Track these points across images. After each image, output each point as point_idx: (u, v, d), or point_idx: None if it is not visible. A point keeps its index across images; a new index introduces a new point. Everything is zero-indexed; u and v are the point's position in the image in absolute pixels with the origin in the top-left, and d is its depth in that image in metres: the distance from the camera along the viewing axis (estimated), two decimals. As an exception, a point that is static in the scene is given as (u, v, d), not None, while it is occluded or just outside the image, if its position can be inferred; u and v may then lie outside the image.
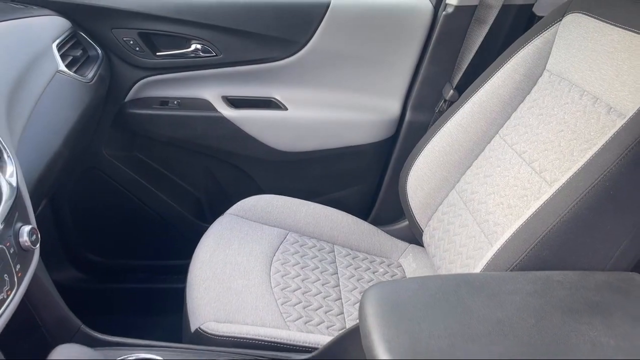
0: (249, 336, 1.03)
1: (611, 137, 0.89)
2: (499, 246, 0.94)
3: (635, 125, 0.86)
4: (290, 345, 1.05)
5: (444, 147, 1.30)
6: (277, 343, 1.04)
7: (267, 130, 1.54)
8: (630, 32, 0.99)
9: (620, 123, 0.89)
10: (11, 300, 0.72)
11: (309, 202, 1.46)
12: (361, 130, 1.56)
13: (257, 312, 1.10)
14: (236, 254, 1.26)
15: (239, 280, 1.18)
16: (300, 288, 1.20)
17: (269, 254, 1.29)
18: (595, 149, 0.90)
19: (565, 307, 0.78)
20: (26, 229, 0.76)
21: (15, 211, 0.76)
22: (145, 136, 1.57)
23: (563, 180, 0.92)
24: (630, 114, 0.89)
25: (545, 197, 0.92)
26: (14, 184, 0.78)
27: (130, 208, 1.65)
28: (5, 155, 0.80)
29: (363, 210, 1.69)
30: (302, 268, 1.27)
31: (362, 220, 1.47)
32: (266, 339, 1.02)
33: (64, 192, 1.56)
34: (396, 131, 1.59)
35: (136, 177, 1.61)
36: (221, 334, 1.03)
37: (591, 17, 1.11)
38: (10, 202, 0.75)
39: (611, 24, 1.05)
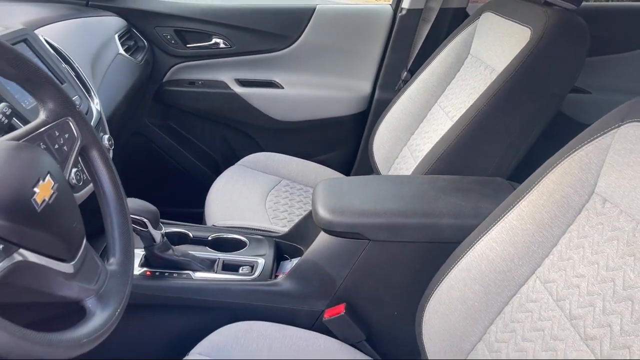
0: (245, 226, 1.43)
1: (486, 87, 1.30)
2: (418, 161, 1.36)
3: (500, 78, 1.27)
4: (270, 231, 1.42)
5: (399, 115, 1.72)
6: (263, 230, 1.41)
7: (268, 104, 1.99)
8: (519, 24, 1.39)
9: (492, 77, 1.31)
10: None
11: (300, 159, 1.87)
12: (340, 104, 2.00)
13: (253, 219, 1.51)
14: (240, 190, 1.68)
15: (242, 201, 1.60)
16: (286, 210, 1.58)
17: (265, 192, 1.71)
18: (476, 95, 1.32)
19: (441, 189, 1.19)
20: (106, 136, 1.19)
21: (100, 125, 1.20)
22: (177, 108, 2.03)
23: (458, 116, 1.33)
24: (500, 70, 1.30)
25: (447, 128, 1.34)
26: (99, 108, 1.22)
27: (164, 164, 2.09)
28: (92, 92, 1.24)
29: (344, 170, 2.10)
30: (290, 200, 1.61)
31: (342, 174, 1.80)
32: (256, 226, 1.43)
33: (116, 147, 2.01)
34: (368, 106, 2.01)
35: (170, 141, 2.07)
36: (228, 225, 1.44)
37: (498, 15, 1.52)
38: (97, 118, 1.19)
39: (509, 19, 1.46)
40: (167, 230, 1.24)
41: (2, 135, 0.71)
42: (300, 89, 2.00)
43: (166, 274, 1.13)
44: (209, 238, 1.30)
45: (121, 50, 1.67)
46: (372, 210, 1.10)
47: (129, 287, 0.80)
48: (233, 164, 1.86)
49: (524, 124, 1.29)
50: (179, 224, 1.32)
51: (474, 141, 1.29)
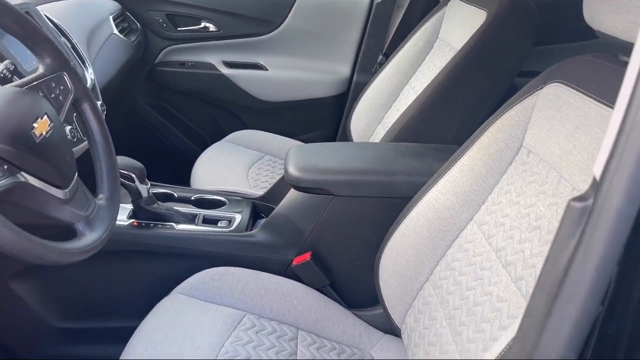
0: (226, 189, 1.53)
1: (446, 64, 1.42)
2: (383, 134, 1.47)
3: (457, 56, 1.39)
4: (248, 194, 1.48)
5: (374, 95, 1.83)
6: (242, 193, 1.48)
7: (253, 85, 2.11)
8: (477, 8, 1.51)
9: (452, 53, 1.43)
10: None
11: (283, 137, 1.96)
12: (321, 86, 2.12)
13: (235, 185, 1.60)
14: (225, 162, 1.78)
15: (226, 171, 1.71)
16: (267, 181, 1.59)
17: (248, 164, 1.80)
18: (436, 71, 1.43)
19: (401, 153, 1.31)
20: (98, 102, 1.30)
21: (93, 92, 1.31)
22: (168, 88, 2.14)
23: (420, 89, 1.45)
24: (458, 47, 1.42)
25: (410, 101, 1.46)
26: (92, 77, 1.33)
27: (155, 141, 2.20)
28: (87, 63, 1.35)
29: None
30: (271, 173, 1.58)
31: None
32: (236, 190, 1.54)
33: (109, 123, 2.12)
34: (347, 88, 2.13)
35: (161, 119, 2.18)
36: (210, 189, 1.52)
37: (462, 1, 1.64)
38: (91, 86, 1.30)
39: (470, 4, 1.57)
40: (154, 191, 1.36)
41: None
42: (283, 71, 2.11)
43: (152, 224, 1.24)
44: (192, 198, 1.41)
45: (115, 31, 1.78)
46: (336, 169, 1.22)
47: (115, 218, 0.91)
48: (218, 138, 1.97)
49: (479, 97, 1.41)
50: (165, 186, 1.44)
51: (434, 112, 1.41)
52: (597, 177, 0.44)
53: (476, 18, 1.46)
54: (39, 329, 1.28)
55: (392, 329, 1.19)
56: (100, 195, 0.92)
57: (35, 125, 0.76)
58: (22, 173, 0.74)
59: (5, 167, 0.71)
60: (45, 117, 0.79)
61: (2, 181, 0.69)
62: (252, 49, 2.10)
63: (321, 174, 1.21)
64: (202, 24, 2.06)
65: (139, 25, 2.01)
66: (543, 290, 0.49)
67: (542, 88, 0.94)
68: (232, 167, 1.74)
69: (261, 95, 2.12)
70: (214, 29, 2.06)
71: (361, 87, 2.02)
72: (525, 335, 0.50)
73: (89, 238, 0.83)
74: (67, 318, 1.28)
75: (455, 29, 1.61)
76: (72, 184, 0.83)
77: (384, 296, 1.14)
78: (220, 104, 2.17)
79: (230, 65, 2.11)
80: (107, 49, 1.65)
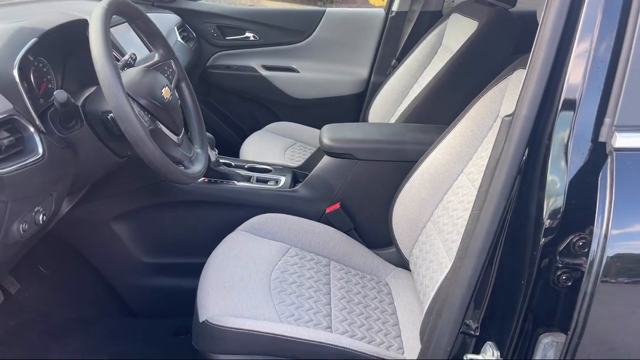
0: (271, 162, 1.86)
1: (445, 63, 1.76)
2: (400, 112, 1.82)
3: (454, 56, 1.72)
4: (288, 165, 1.80)
5: (388, 92, 2.17)
6: (284, 164, 1.77)
7: (286, 84, 2.47)
8: (471, 19, 1.85)
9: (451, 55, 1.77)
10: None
11: (311, 127, 2.31)
12: (343, 86, 2.47)
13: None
14: (267, 145, 2.12)
15: (267, 152, 2.05)
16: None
17: (284, 149, 2.15)
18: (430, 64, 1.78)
19: (410, 128, 1.65)
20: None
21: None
22: (215, 88, 2.51)
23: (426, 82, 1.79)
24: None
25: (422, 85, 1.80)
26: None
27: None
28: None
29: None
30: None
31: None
32: (278, 162, 1.87)
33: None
34: (365, 88, 2.47)
35: (209, 113, 2.54)
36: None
37: (461, 14, 1.98)
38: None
39: (467, 16, 1.91)
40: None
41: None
42: (312, 73, 2.47)
43: (218, 181, 1.59)
44: (245, 166, 1.76)
45: (179, 39, 2.15)
46: (360, 139, 1.56)
47: (207, 160, 1.26)
48: (256, 129, 2.31)
49: (470, 87, 1.73)
50: (225, 157, 1.78)
51: (436, 100, 1.74)
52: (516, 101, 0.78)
53: (470, 27, 1.80)
54: (130, 263, 1.62)
55: (402, 264, 1.51)
56: (195, 146, 1.28)
57: (162, 91, 1.12)
58: (157, 121, 1.09)
59: (149, 116, 1.06)
60: (167, 87, 1.14)
61: (150, 125, 1.04)
62: (286, 55, 2.46)
63: (348, 143, 1.55)
64: (246, 34, 2.44)
65: (194, 35, 2.38)
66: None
67: (512, 73, 1.27)
68: (272, 148, 2.09)
69: (293, 93, 2.49)
70: (256, 38, 2.44)
71: (377, 87, 2.36)
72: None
73: (194, 170, 1.18)
74: (152, 254, 1.62)
75: (454, 37, 1.95)
76: (182, 134, 1.18)
77: (395, 235, 1.47)
78: (258, 100, 2.54)
79: (268, 68, 2.48)
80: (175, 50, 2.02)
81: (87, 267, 1.63)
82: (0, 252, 0.91)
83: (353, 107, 2.50)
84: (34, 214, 0.95)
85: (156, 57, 1.25)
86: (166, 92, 1.12)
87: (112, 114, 1.02)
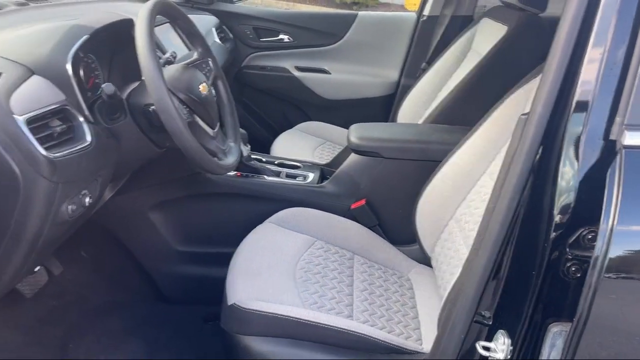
0: (300, 159, 1.92)
1: (473, 66, 1.78)
2: (428, 113, 1.85)
3: (482, 59, 1.75)
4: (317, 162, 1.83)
5: (418, 94, 2.20)
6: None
7: (317, 85, 2.54)
8: (501, 24, 1.87)
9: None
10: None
11: (340, 127, 2.35)
12: (373, 88, 2.52)
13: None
14: (297, 143, 2.18)
15: (297, 150, 2.11)
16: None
17: (314, 147, 2.21)
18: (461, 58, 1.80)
19: (436, 129, 1.69)
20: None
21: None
22: (250, 87, 2.59)
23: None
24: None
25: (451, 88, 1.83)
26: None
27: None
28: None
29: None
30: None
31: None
32: (307, 159, 1.93)
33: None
34: (395, 90, 2.51)
35: (243, 112, 2.62)
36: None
37: (491, 19, 2.00)
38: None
39: (497, 21, 1.93)
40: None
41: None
42: (343, 75, 2.53)
43: (250, 175, 1.66)
44: (275, 162, 1.82)
45: (216, 39, 2.23)
46: (386, 138, 1.61)
47: (239, 154, 1.33)
48: (287, 128, 2.38)
49: (497, 90, 1.75)
50: (256, 153, 1.85)
51: (462, 102, 1.77)
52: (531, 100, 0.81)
53: (499, 32, 1.83)
54: (164, 251, 1.70)
55: (424, 261, 1.54)
56: (229, 139, 1.35)
57: (200, 87, 1.19)
58: (194, 115, 1.16)
59: (187, 109, 1.14)
60: (204, 83, 1.22)
61: (188, 118, 1.12)
62: (319, 57, 2.53)
63: (375, 142, 1.60)
64: (280, 36, 2.51)
65: (231, 35, 2.47)
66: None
67: (537, 76, 1.28)
68: (302, 147, 2.15)
69: (324, 94, 2.55)
70: (289, 40, 2.51)
71: (407, 89, 2.40)
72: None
73: (227, 161, 1.25)
74: (185, 243, 1.70)
75: (483, 41, 1.97)
76: (217, 128, 1.25)
77: (418, 232, 1.50)
78: (290, 100, 2.61)
79: (300, 69, 2.55)
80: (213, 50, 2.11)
81: (125, 253, 1.73)
82: (50, 231, 0.99)
83: (382, 108, 2.54)
84: (80, 196, 1.03)
85: (195, 56, 1.32)
86: (203, 88, 1.19)
87: (153, 107, 1.09)
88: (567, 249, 0.77)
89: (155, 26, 1.66)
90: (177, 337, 1.66)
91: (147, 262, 1.73)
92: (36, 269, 1.28)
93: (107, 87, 1.08)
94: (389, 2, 8.64)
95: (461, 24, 2.30)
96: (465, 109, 1.79)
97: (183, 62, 1.26)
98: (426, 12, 2.37)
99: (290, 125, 2.42)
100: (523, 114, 0.84)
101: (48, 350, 1.53)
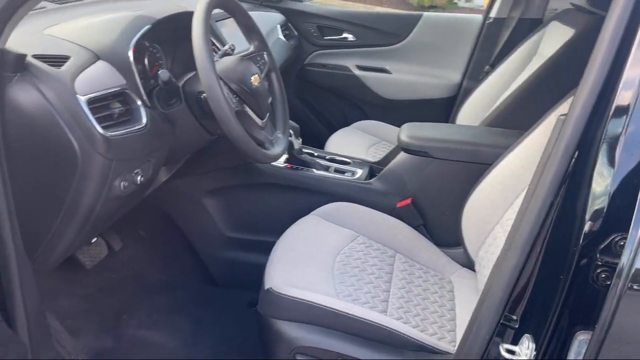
0: (351, 155, 1.93)
1: (535, 69, 1.73)
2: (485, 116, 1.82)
3: (545, 62, 1.69)
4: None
5: (479, 96, 2.16)
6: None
7: (378, 85, 2.54)
8: (569, 27, 1.79)
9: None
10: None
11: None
12: (434, 89, 2.49)
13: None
14: (353, 140, 2.20)
15: (352, 146, 2.13)
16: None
17: (368, 145, 2.22)
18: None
19: (489, 132, 1.65)
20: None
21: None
22: (311, 84, 2.64)
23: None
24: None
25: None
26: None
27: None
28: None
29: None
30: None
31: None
32: (358, 156, 1.94)
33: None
34: (456, 92, 2.47)
35: (303, 107, 2.68)
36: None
37: (560, 22, 1.93)
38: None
39: (565, 24, 1.86)
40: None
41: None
42: (404, 75, 2.51)
43: (299, 168, 1.70)
44: (327, 157, 1.85)
45: (280, 36, 2.30)
46: (437, 138, 1.59)
47: (285, 146, 1.37)
48: (345, 125, 2.40)
49: (558, 95, 1.69)
50: (309, 147, 1.89)
51: (522, 105, 1.72)
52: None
53: (565, 35, 1.76)
54: (215, 235, 1.78)
55: (468, 264, 1.51)
56: (278, 131, 1.39)
57: (252, 79, 1.24)
58: (244, 105, 1.21)
59: (237, 99, 1.19)
60: (257, 75, 1.27)
61: (237, 107, 1.17)
62: (380, 56, 2.53)
63: (425, 141, 1.59)
64: (343, 35, 2.54)
65: (296, 33, 2.53)
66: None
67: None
68: (357, 144, 2.17)
69: (384, 94, 2.55)
70: (353, 39, 2.53)
71: (468, 92, 2.35)
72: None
73: (273, 151, 1.29)
74: (234, 230, 1.77)
75: (550, 45, 1.90)
76: (266, 118, 1.30)
77: (464, 236, 1.47)
78: (349, 98, 2.63)
79: (361, 68, 2.56)
80: (274, 48, 2.17)
81: (179, 236, 1.82)
82: (103, 206, 1.07)
83: (442, 110, 2.50)
84: (133, 174, 1.11)
85: (251, 48, 1.38)
86: (255, 80, 1.24)
87: (205, 94, 1.15)
88: (598, 255, 0.74)
89: (219, 20, 1.76)
90: (221, 319, 1.73)
91: (199, 245, 1.82)
92: (93, 240, 1.39)
93: (163, 74, 1.15)
94: (468, 6, 8.45)
95: (529, 27, 2.23)
96: (523, 113, 1.73)
97: (239, 54, 1.32)
98: (493, 14, 2.31)
99: (348, 123, 2.44)
100: (562, 115, 0.82)
101: (104, 318, 1.65)
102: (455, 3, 8.69)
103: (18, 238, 0.96)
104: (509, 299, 0.86)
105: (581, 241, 0.75)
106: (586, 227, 0.75)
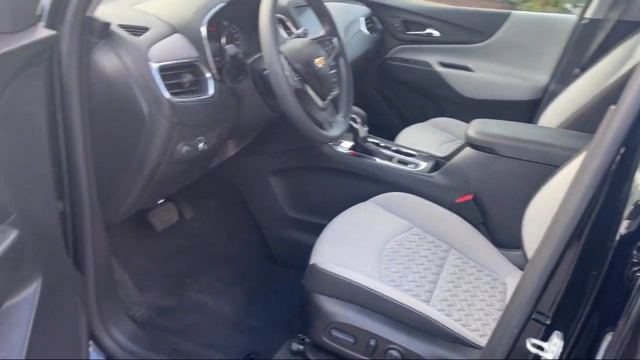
0: (419, 149, 1.91)
1: (623, 73, 1.62)
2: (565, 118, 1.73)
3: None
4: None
5: (566, 100, 2.05)
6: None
7: (459, 82, 2.48)
8: None
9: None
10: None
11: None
12: (518, 91, 2.39)
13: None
14: (426, 134, 2.17)
15: (423, 141, 2.11)
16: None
17: (442, 142, 2.18)
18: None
19: (564, 134, 1.56)
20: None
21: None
22: (391, 78, 2.64)
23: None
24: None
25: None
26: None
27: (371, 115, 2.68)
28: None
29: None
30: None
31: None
32: (426, 150, 1.91)
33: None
34: (540, 96, 2.36)
35: (381, 100, 2.68)
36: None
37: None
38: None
39: None
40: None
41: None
42: (486, 74, 2.44)
43: (363, 156, 1.72)
44: (392, 148, 1.85)
45: (362, 28, 2.33)
46: (505, 136, 1.54)
47: (344, 129, 1.40)
48: (416, 122, 2.37)
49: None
50: (375, 137, 1.91)
51: (602, 109, 1.61)
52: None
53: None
54: (278, 214, 1.85)
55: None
56: (340, 114, 1.42)
57: (316, 60, 1.28)
58: (306, 85, 1.26)
59: (299, 78, 1.24)
60: (322, 57, 1.31)
61: (297, 85, 1.22)
62: (464, 54, 2.47)
63: (492, 137, 1.55)
64: (427, 30, 2.51)
65: (380, 26, 2.54)
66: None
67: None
68: (430, 140, 2.14)
69: (464, 92, 2.49)
70: (437, 35, 2.50)
71: (554, 95, 2.23)
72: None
73: (332, 133, 1.33)
74: (295, 210, 1.83)
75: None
76: (327, 100, 1.33)
77: (524, 238, 1.40)
78: (428, 94, 2.60)
79: (444, 65, 2.52)
80: (355, 40, 2.20)
81: (245, 212, 1.91)
82: (166, 168, 1.16)
83: (525, 113, 2.40)
84: (196, 141, 1.19)
85: (321, 32, 1.42)
86: (319, 61, 1.28)
87: (267, 71, 1.21)
88: (635, 252, 0.70)
89: (299, 7, 1.82)
90: (274, 295, 1.80)
91: (263, 223, 1.89)
92: (159, 202, 1.50)
93: (230, 49, 1.22)
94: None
95: (627, 29, 2.08)
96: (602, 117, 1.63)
97: (309, 38, 1.37)
98: (588, 14, 2.17)
99: (424, 119, 2.41)
100: (613, 105, 0.78)
101: (170, 280, 1.77)
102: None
103: (93, 186, 1.07)
104: (542, 293, 0.84)
105: (617, 237, 0.71)
106: (624, 224, 0.71)
